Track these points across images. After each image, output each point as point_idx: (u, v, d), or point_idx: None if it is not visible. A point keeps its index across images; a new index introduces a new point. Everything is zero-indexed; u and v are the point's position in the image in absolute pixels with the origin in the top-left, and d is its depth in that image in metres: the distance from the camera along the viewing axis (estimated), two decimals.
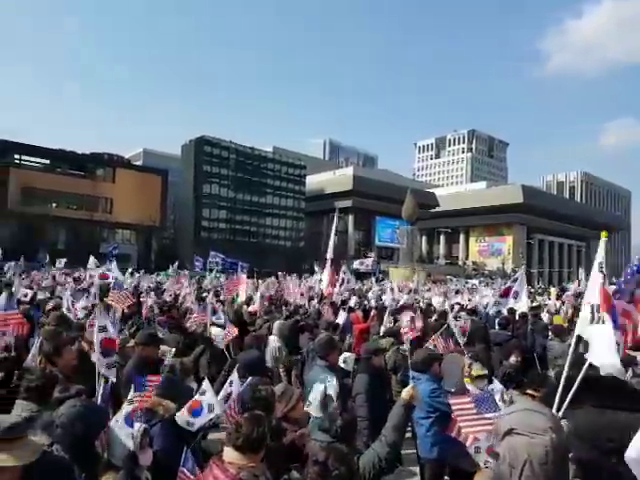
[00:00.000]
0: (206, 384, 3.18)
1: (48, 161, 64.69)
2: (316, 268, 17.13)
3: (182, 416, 3.09)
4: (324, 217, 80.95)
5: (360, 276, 35.84)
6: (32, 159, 63.85)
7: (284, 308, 11.10)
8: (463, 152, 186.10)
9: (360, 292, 17.26)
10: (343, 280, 11.71)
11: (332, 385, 4.16)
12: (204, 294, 13.25)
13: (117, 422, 2.86)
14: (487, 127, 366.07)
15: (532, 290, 28.53)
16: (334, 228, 11.61)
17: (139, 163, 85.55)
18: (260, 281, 20.21)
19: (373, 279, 27.51)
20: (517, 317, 9.41)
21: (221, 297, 11.97)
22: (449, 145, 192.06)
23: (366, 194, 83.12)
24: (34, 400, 3.10)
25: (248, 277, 16.88)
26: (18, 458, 2.05)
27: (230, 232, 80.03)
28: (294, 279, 19.48)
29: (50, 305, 8.77)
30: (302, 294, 13.38)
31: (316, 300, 12.01)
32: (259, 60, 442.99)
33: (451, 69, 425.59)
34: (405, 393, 3.04)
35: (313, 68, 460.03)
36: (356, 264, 51.35)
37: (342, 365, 5.20)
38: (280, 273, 24.10)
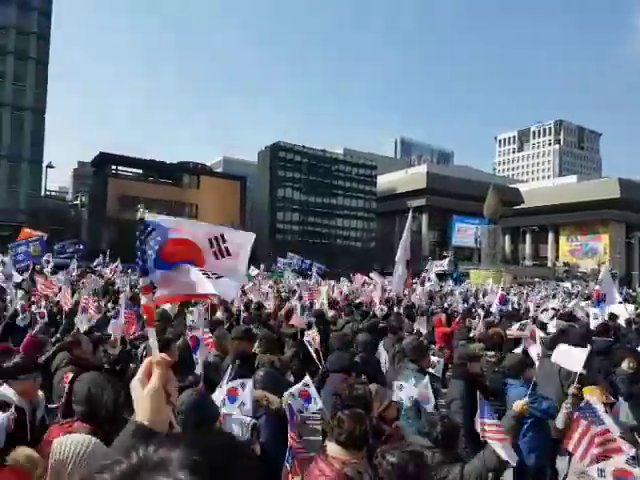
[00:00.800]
0: (307, 378, 3.30)
1: (141, 171, 70.19)
2: (373, 275, 16.45)
3: (297, 401, 3.19)
4: (396, 217, 79.84)
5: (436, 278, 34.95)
6: (127, 169, 69.56)
7: (355, 310, 11.07)
8: (549, 144, 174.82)
9: (439, 294, 16.83)
10: (424, 279, 11.43)
11: (426, 389, 4.13)
12: (282, 294, 13.64)
13: (228, 409, 3.05)
14: (575, 117, 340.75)
15: (634, 294, 26.16)
16: (407, 227, 11.25)
17: (220, 170, 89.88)
18: (332, 282, 20.32)
19: (451, 281, 26.62)
20: (614, 321, 8.69)
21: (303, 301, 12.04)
22: (533, 137, 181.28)
23: (441, 192, 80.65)
24: None
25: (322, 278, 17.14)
26: None
27: (302, 234, 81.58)
28: (377, 280, 19.21)
29: None
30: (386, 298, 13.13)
31: (392, 304, 11.87)
32: (326, 60, 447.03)
33: (532, 55, 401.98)
34: (517, 405, 2.98)
35: (380, 66, 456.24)
36: (431, 265, 50.03)
37: (430, 370, 5.15)
38: (359, 276, 24.03)
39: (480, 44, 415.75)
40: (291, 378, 4.63)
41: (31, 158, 59.48)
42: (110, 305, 9.48)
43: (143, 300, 1.61)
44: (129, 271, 19.56)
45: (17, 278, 10.91)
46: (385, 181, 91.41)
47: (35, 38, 60.48)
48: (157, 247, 1.55)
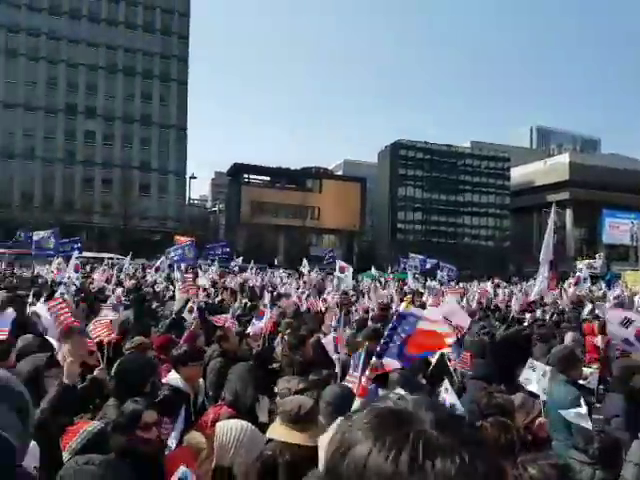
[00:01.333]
0: (446, 382, 3.23)
1: (269, 178, 74.96)
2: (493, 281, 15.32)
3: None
4: (533, 213, 74.05)
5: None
6: (257, 177, 74.81)
7: (491, 315, 10.46)
8: None
9: (589, 298, 15.17)
10: (579, 279, 10.33)
11: (580, 402, 3.78)
12: (408, 296, 13.37)
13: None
14: None
15: None
16: (550, 224, 10.28)
17: (340, 173, 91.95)
18: (461, 284, 19.45)
19: (603, 284, 23.75)
20: None
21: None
22: None
23: (587, 184, 73.00)
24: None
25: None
26: (314, 438, 2.31)
27: (426, 233, 79.58)
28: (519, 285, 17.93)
29: (285, 302, 10.03)
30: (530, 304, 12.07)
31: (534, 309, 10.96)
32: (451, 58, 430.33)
33: None
34: None
35: (506, 52, 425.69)
36: (580, 266, 45.29)
37: (583, 382, 4.70)
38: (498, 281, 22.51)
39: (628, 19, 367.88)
40: (423, 381, 4.54)
41: (176, 170, 66.94)
42: (243, 302, 10.22)
43: None
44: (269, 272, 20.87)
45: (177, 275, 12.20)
46: (520, 174, 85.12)
47: (176, 61, 67.94)
48: (404, 336, 1.59)
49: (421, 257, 20.11)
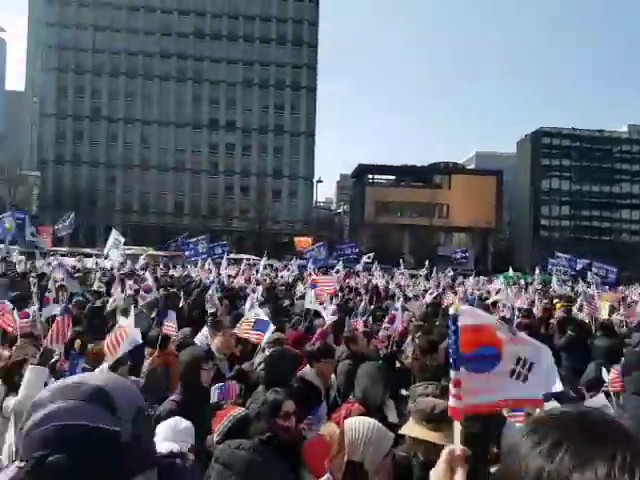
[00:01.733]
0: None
1: (394, 177, 74.43)
2: None
3: None
4: None
5: None
6: (382, 177, 74.83)
7: None
8: None
9: None
10: None
11: None
12: (554, 300, 12.18)
13: None
14: None
15: None
16: None
17: (472, 167, 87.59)
18: (620, 288, 17.21)
19: None
20: None
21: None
22: None
23: None
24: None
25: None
26: (449, 438, 2.32)
27: (574, 230, 72.00)
28: None
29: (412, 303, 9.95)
30: None
31: None
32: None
33: None
34: None
35: None
36: None
37: None
38: None
39: None
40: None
41: (305, 175, 70.06)
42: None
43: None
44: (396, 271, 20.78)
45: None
46: None
47: (305, 69, 71.07)
48: (456, 338, 1.50)
49: (569, 256, 18.38)
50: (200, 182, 68.96)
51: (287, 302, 10.77)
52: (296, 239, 28.20)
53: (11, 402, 3.35)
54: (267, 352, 4.73)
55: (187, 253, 18.99)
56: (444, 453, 1.21)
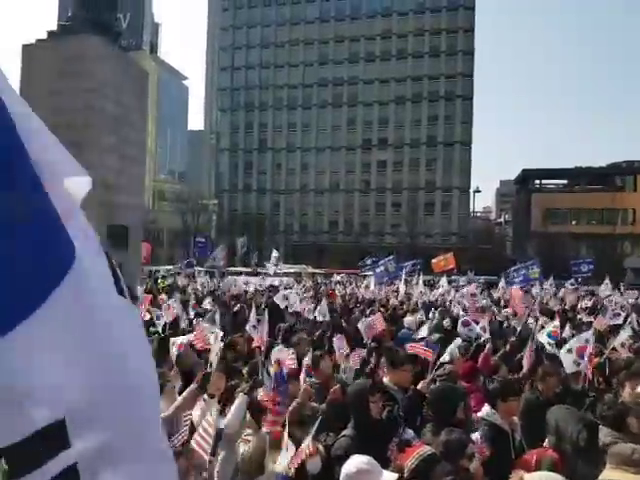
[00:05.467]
0: None
1: (566, 181, 66.84)
2: None
3: None
4: None
5: None
6: (551, 182, 67.87)
7: None
8: None
9: None
10: None
11: None
12: None
13: None
14: None
15: None
16: None
17: None
18: None
19: None
20: None
21: None
22: None
23: None
24: (610, 426, 3.22)
25: None
26: None
27: None
28: None
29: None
30: None
31: None
32: None
33: None
34: None
35: None
36: None
37: None
38: None
39: None
40: None
41: (460, 186, 67.19)
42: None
43: None
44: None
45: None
46: None
47: (460, 77, 68.65)
48: None
49: None
50: (353, 200, 71.06)
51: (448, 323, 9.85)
52: (433, 261, 27.70)
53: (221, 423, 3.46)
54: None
55: (377, 271, 20.77)
56: None
